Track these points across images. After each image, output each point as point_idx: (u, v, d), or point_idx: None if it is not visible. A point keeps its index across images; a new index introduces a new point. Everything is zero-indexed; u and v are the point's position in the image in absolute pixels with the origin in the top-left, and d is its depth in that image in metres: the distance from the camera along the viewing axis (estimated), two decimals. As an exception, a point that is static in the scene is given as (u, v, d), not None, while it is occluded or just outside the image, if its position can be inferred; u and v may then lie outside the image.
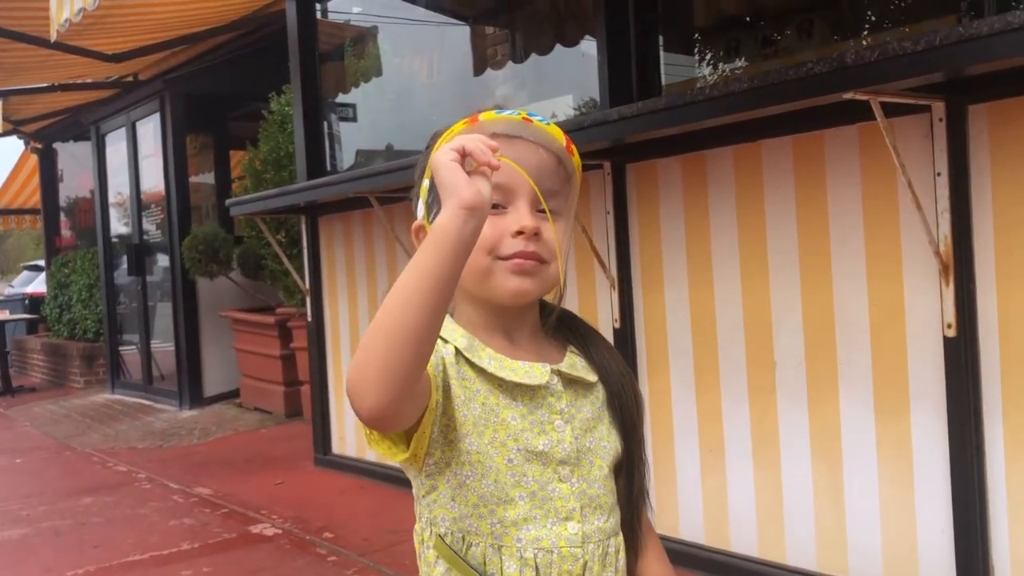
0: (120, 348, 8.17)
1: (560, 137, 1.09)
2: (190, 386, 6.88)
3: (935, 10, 3.52)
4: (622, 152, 2.93)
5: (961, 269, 2.20)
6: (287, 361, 5.99)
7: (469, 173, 0.91)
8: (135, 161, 7.51)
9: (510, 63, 4.88)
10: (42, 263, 11.77)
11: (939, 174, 2.21)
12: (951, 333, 2.22)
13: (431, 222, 1.05)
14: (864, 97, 2.04)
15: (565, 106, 4.18)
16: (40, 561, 3.49)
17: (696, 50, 4.31)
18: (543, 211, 1.05)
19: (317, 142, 4.66)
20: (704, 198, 2.79)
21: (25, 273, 14.34)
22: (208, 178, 7.62)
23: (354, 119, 5.34)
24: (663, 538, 1.21)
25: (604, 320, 3.05)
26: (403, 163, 3.38)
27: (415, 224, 1.11)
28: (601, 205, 3.05)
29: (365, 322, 4.32)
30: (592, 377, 1.12)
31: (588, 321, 1.20)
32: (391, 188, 3.48)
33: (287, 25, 4.69)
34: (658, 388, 2.95)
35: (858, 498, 2.46)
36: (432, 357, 0.95)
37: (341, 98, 5.32)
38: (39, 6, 4.97)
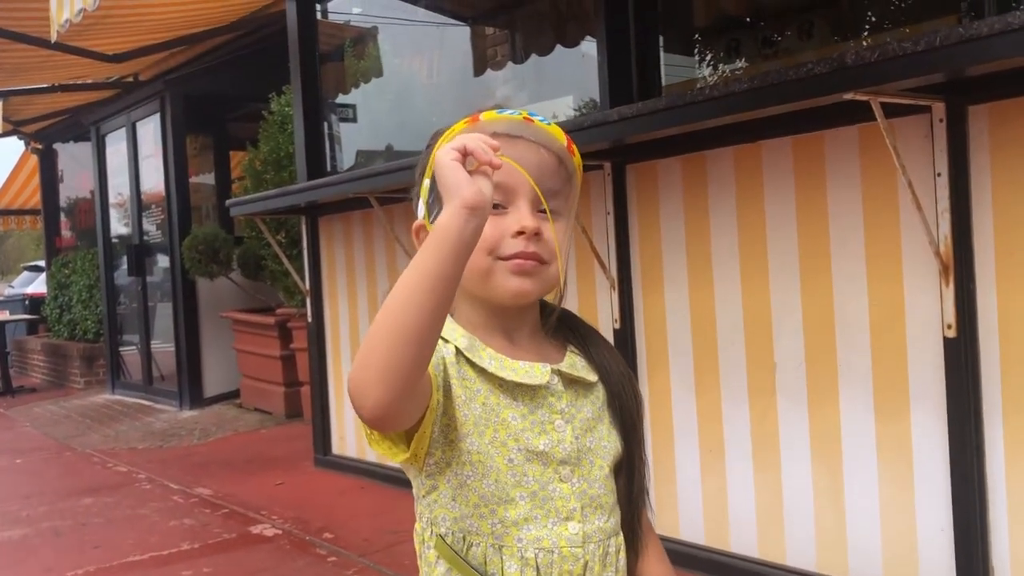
0: (120, 349, 8.17)
1: (561, 137, 1.09)
2: (190, 387, 6.88)
3: (935, 10, 3.53)
4: (622, 152, 2.93)
5: (961, 269, 2.20)
6: (287, 362, 5.99)
7: (470, 172, 0.90)
8: (135, 162, 7.51)
9: (510, 63, 4.89)
10: (42, 264, 11.77)
11: (939, 174, 2.21)
12: (951, 333, 2.22)
13: (432, 222, 1.05)
14: (864, 98, 2.04)
15: (565, 106, 4.18)
16: (40, 561, 3.49)
17: (696, 50, 4.31)
18: (544, 211, 1.05)
19: (317, 142, 4.66)
20: (704, 199, 2.79)
21: (25, 274, 14.34)
22: (208, 178, 7.62)
23: (354, 119, 5.35)
24: (663, 539, 1.21)
25: (604, 321, 3.05)
26: (403, 163, 3.38)
27: (415, 223, 1.11)
28: (601, 206, 3.05)
29: (365, 323, 4.32)
30: (592, 377, 1.12)
31: (588, 321, 1.20)
32: (391, 188, 3.48)
33: (287, 26, 4.70)
34: (658, 389, 2.95)
35: (858, 499, 2.46)
36: (433, 357, 0.95)
37: (341, 98, 5.32)
38: (39, 7, 4.97)
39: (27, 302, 11.87)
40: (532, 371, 1.06)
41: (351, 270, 4.39)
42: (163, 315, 7.38)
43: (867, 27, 3.87)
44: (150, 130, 7.24)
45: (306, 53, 4.63)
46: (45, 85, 7.58)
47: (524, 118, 1.07)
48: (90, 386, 8.69)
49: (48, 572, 3.36)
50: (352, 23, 5.58)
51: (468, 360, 1.04)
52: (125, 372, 8.09)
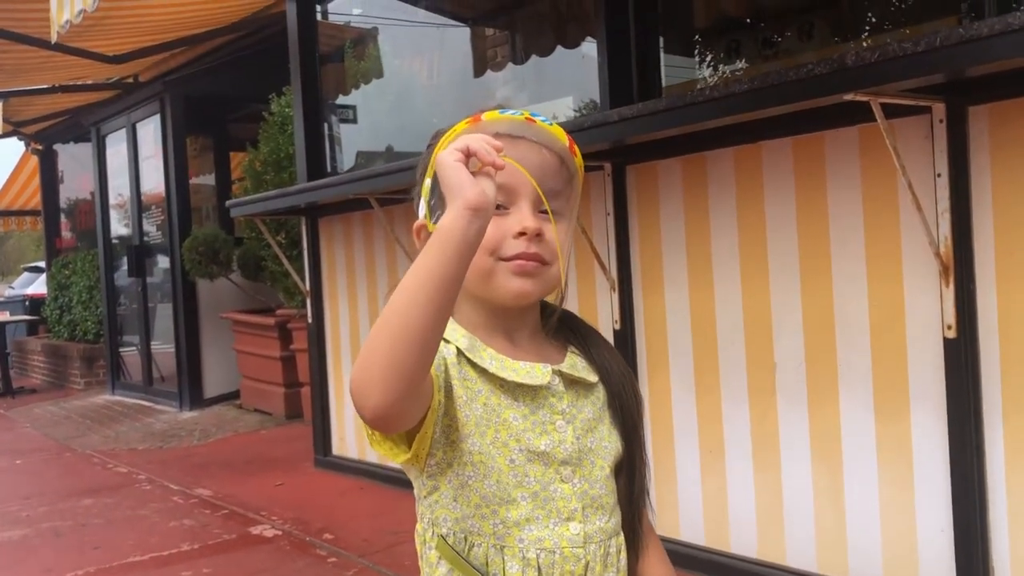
0: (120, 349, 8.17)
1: (563, 137, 1.09)
2: (190, 387, 6.88)
3: (935, 11, 3.53)
4: (622, 153, 2.93)
5: (961, 270, 2.20)
6: (287, 362, 5.99)
7: (473, 173, 0.90)
8: (135, 162, 7.52)
9: (510, 64, 4.89)
10: (42, 264, 11.77)
11: (939, 175, 2.21)
12: (951, 334, 2.23)
13: (434, 222, 1.05)
14: (864, 98, 2.04)
15: (565, 107, 4.18)
16: (40, 562, 3.49)
17: (696, 51, 4.31)
18: (545, 212, 1.05)
19: (317, 143, 4.66)
20: (704, 199, 2.79)
21: (25, 274, 14.33)
22: (208, 179, 7.62)
23: (354, 120, 5.35)
24: (663, 539, 1.21)
25: (604, 321, 3.05)
26: (403, 164, 3.38)
27: (416, 223, 1.11)
28: (601, 206, 3.05)
29: (365, 323, 4.33)
30: (593, 378, 1.12)
31: (588, 322, 1.20)
32: (391, 189, 3.48)
33: (287, 27, 4.70)
34: (658, 389, 2.95)
35: (858, 499, 2.46)
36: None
37: (341, 99, 5.32)
38: (40, 7, 4.97)
39: (27, 303, 11.87)
40: (533, 371, 1.06)
41: (351, 271, 4.40)
42: (163, 316, 7.38)
43: (867, 28, 3.87)
44: (150, 131, 7.25)
45: (306, 54, 4.63)
46: (45, 86, 7.59)
47: (526, 118, 1.07)
48: (90, 387, 8.69)
49: (48, 573, 3.36)
50: (352, 24, 5.58)
51: (469, 360, 1.04)
52: (125, 373, 8.09)
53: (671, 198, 2.88)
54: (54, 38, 4.87)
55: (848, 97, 2.03)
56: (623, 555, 1.10)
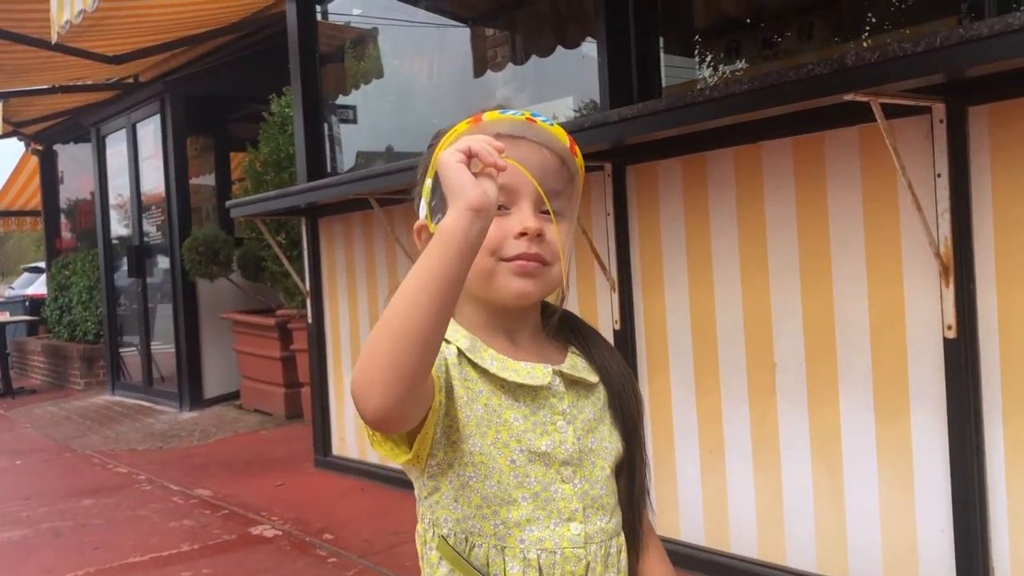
0: (120, 350, 8.17)
1: (564, 137, 1.09)
2: (190, 388, 6.88)
3: (935, 11, 3.53)
4: (622, 154, 2.93)
5: (961, 270, 2.20)
6: (287, 363, 5.99)
7: (475, 174, 0.90)
8: (135, 163, 7.52)
9: (510, 65, 4.89)
10: (42, 265, 11.77)
11: (939, 175, 2.21)
12: (951, 334, 2.23)
13: (435, 222, 1.05)
14: (864, 98, 2.04)
15: (565, 108, 4.18)
16: (40, 562, 3.49)
17: (696, 51, 4.31)
18: (546, 212, 1.05)
19: (317, 144, 4.66)
20: (704, 200, 2.79)
21: (25, 275, 14.33)
22: (208, 180, 7.62)
23: (354, 121, 5.35)
24: (663, 540, 1.21)
25: (604, 322, 3.05)
26: (403, 164, 3.38)
27: (417, 224, 1.11)
28: (601, 207, 3.05)
29: (365, 324, 4.33)
30: (593, 378, 1.12)
31: (588, 322, 1.20)
32: (391, 190, 3.49)
33: (287, 27, 4.70)
34: (658, 389, 2.95)
35: (858, 499, 2.46)
36: None
37: (341, 100, 5.32)
38: (40, 8, 4.97)
39: (27, 303, 11.87)
40: (534, 372, 1.06)
41: (351, 271, 4.40)
42: (163, 316, 7.38)
43: (867, 28, 3.87)
44: (150, 131, 7.25)
45: (306, 54, 4.63)
46: (45, 86, 7.59)
47: (527, 119, 1.07)
48: (90, 387, 8.69)
49: (48, 573, 3.36)
50: (352, 24, 5.58)
51: (470, 361, 1.04)
52: (125, 373, 8.09)
53: (671, 198, 2.88)
54: (54, 38, 4.87)
55: (848, 97, 2.03)
56: (624, 555, 1.10)
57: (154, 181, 7.24)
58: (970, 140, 2.19)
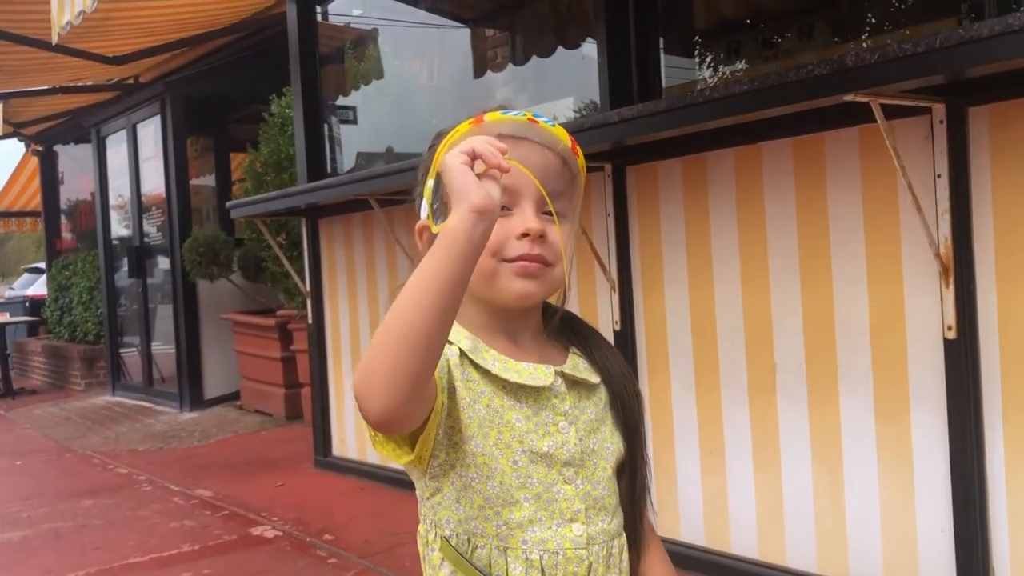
0: (121, 350, 8.17)
1: (565, 138, 1.09)
2: (190, 388, 6.88)
3: (935, 12, 3.53)
4: (622, 154, 2.93)
5: (961, 271, 2.20)
6: (287, 363, 5.99)
7: (478, 175, 0.90)
8: (136, 163, 7.52)
9: (510, 65, 4.89)
10: (43, 265, 11.77)
11: (939, 176, 2.22)
12: (951, 335, 2.23)
13: (436, 222, 1.05)
14: (864, 99, 2.04)
15: (566, 108, 4.18)
16: (40, 563, 3.49)
17: (696, 52, 4.32)
18: (548, 213, 1.05)
19: (317, 144, 4.66)
20: (704, 200, 2.79)
21: (26, 275, 14.32)
22: (209, 180, 7.62)
23: (354, 121, 5.35)
24: (663, 540, 1.21)
25: (604, 322, 3.05)
26: (403, 165, 3.38)
27: (418, 224, 1.11)
28: (601, 207, 3.05)
29: (365, 324, 4.33)
30: (595, 378, 1.12)
31: (589, 323, 1.20)
32: (391, 190, 3.49)
33: (287, 28, 4.70)
34: (658, 389, 2.95)
35: (858, 500, 2.46)
36: None
37: (341, 100, 5.33)
38: (40, 9, 4.97)
39: (28, 304, 11.86)
40: (536, 373, 1.06)
41: (351, 272, 4.40)
42: (163, 317, 7.38)
43: (867, 29, 3.87)
44: (151, 132, 7.25)
45: (306, 55, 4.63)
46: (46, 87, 7.59)
47: (529, 119, 1.07)
48: (90, 388, 8.69)
49: (48, 573, 3.36)
50: (352, 25, 5.58)
51: (472, 362, 1.04)
52: (125, 374, 8.09)
53: (671, 199, 2.88)
54: (55, 39, 4.87)
55: (848, 98, 2.04)
56: (625, 556, 1.10)
57: (154, 182, 7.25)
58: (970, 140, 2.19)
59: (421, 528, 1.09)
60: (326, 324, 4.60)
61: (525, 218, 1.04)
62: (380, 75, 5.55)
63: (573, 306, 1.17)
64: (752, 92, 2.24)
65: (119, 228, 8.06)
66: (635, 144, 2.80)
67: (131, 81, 7.67)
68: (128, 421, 6.76)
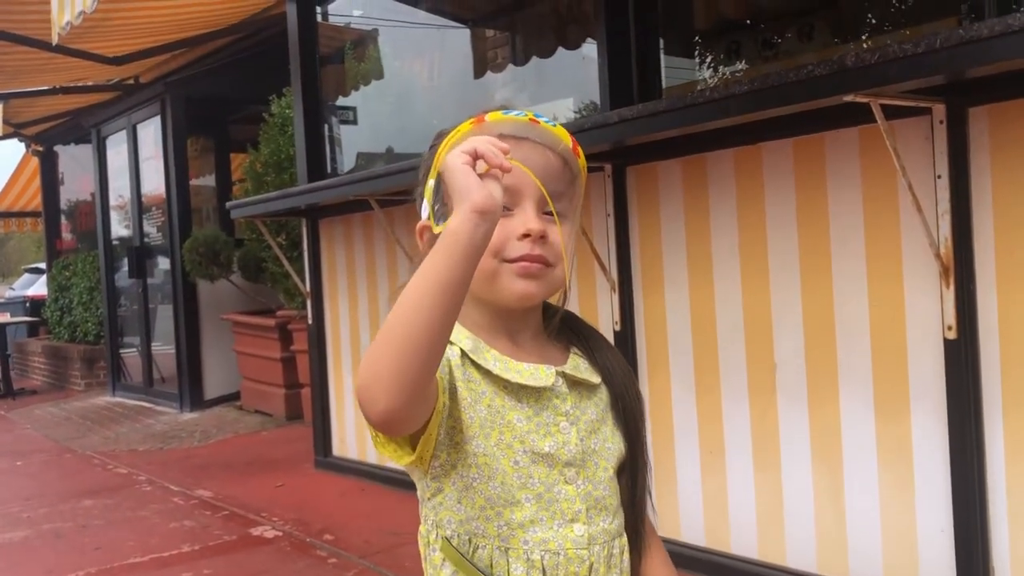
0: (121, 351, 8.17)
1: (566, 138, 1.09)
2: (191, 389, 6.88)
3: (935, 12, 3.53)
4: (622, 154, 2.93)
5: (961, 271, 2.20)
6: (288, 364, 5.99)
7: (480, 175, 0.90)
8: (136, 164, 7.52)
9: (511, 66, 4.89)
10: (43, 266, 11.77)
11: (939, 176, 2.22)
12: (951, 335, 2.23)
13: (437, 223, 1.05)
14: (864, 99, 2.04)
15: (566, 109, 4.18)
16: (41, 563, 3.49)
17: (696, 53, 4.32)
18: (549, 213, 1.05)
19: (317, 145, 4.66)
20: (705, 200, 2.79)
21: (26, 276, 14.32)
22: (209, 181, 7.62)
23: (354, 122, 5.35)
24: (663, 540, 1.21)
25: (604, 322, 3.05)
26: (404, 166, 3.39)
27: (419, 224, 1.11)
28: (602, 207, 3.05)
29: (366, 324, 4.33)
30: (596, 379, 1.12)
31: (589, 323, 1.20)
32: (392, 191, 3.49)
33: (287, 28, 4.70)
34: (658, 389, 2.95)
35: (858, 500, 2.46)
36: None
37: (341, 101, 5.33)
38: (41, 9, 4.98)
39: (28, 304, 11.86)
40: (537, 373, 1.06)
41: (351, 272, 4.40)
42: (164, 317, 7.38)
43: (867, 29, 3.87)
44: (151, 132, 7.25)
45: (306, 55, 4.63)
46: (46, 87, 7.59)
47: (530, 119, 1.07)
48: (91, 388, 8.69)
49: (49, 574, 3.36)
50: (352, 25, 5.58)
51: (473, 362, 1.04)
52: (125, 374, 8.09)
53: (671, 199, 2.89)
54: (55, 40, 4.87)
55: (848, 98, 2.04)
56: (626, 556, 1.10)
57: (154, 182, 7.25)
58: (970, 141, 2.19)
59: (422, 528, 1.09)
60: (326, 324, 4.60)
61: (526, 219, 1.04)
62: (380, 75, 5.55)
63: (573, 306, 1.17)
64: (752, 92, 2.24)
65: (119, 228, 8.06)
66: (635, 144, 2.80)
67: (131, 81, 7.67)
68: (128, 421, 6.77)
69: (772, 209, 2.62)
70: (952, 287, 2.21)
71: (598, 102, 3.43)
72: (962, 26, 2.01)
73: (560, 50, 4.51)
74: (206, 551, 3.49)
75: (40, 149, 9.94)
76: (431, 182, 1.07)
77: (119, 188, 7.91)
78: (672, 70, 3.93)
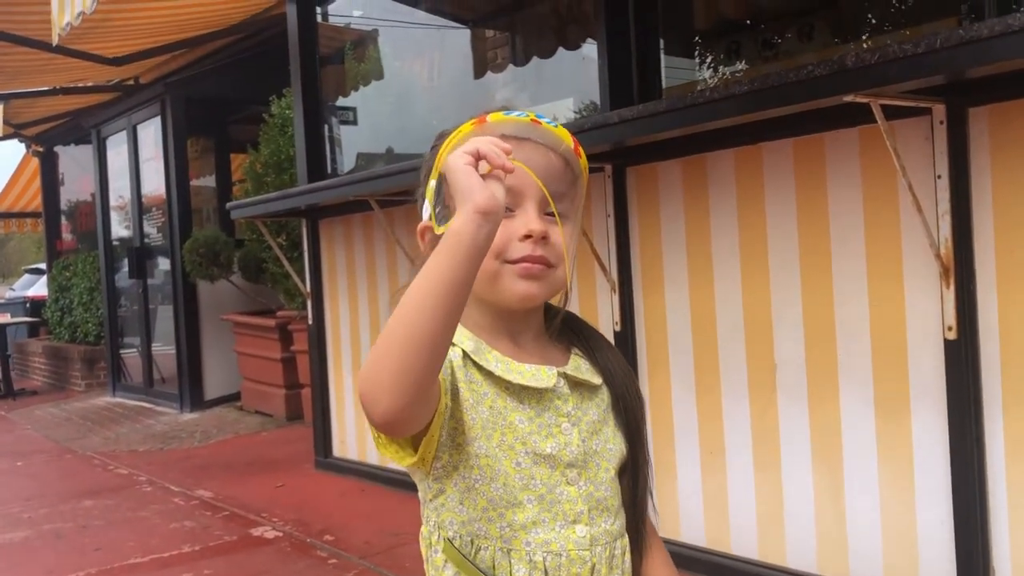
0: (121, 351, 8.17)
1: (568, 139, 1.09)
2: (191, 389, 6.88)
3: (935, 13, 3.53)
4: (623, 155, 2.93)
5: (962, 271, 2.20)
6: (288, 364, 5.99)
7: (483, 176, 0.90)
8: (136, 164, 7.52)
9: (511, 66, 4.89)
10: (43, 266, 11.77)
11: (939, 176, 2.22)
12: (952, 335, 2.23)
13: (439, 224, 1.05)
14: (864, 100, 2.04)
15: (566, 109, 4.18)
16: (41, 564, 3.49)
17: (696, 53, 4.32)
18: (551, 214, 1.05)
19: (318, 145, 4.66)
20: (705, 200, 2.79)
21: (26, 276, 14.31)
22: (209, 181, 7.62)
23: (355, 122, 5.35)
24: (664, 540, 1.21)
25: (605, 322, 3.05)
26: (404, 166, 3.38)
27: (420, 225, 1.11)
28: (602, 208, 3.05)
29: (366, 325, 4.33)
30: (597, 380, 1.12)
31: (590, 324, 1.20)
32: (392, 191, 3.49)
33: (288, 28, 4.70)
34: (658, 389, 2.95)
35: (858, 499, 2.46)
36: None
37: (341, 101, 5.33)
38: (41, 10, 4.98)
39: (28, 305, 11.86)
40: (539, 374, 1.06)
41: (352, 272, 4.40)
42: (164, 318, 7.38)
43: (867, 29, 3.87)
44: (151, 133, 7.25)
45: (306, 56, 4.63)
46: (46, 88, 7.59)
47: (532, 120, 1.07)
48: (91, 388, 8.69)
49: (49, 574, 3.36)
50: (352, 26, 5.58)
51: (475, 363, 1.04)
52: (126, 375, 8.09)
53: (671, 199, 2.89)
54: (55, 40, 4.87)
55: (848, 98, 2.04)
56: (627, 557, 1.10)
57: (155, 183, 7.25)
58: (970, 141, 2.19)
59: (424, 530, 1.09)
60: (326, 325, 4.60)
61: (528, 219, 1.04)
62: (380, 76, 5.55)
63: (573, 307, 1.17)
64: (752, 93, 2.24)
65: (119, 229, 8.06)
66: (635, 145, 2.80)
67: (131, 82, 7.68)
68: (128, 422, 6.77)
69: (772, 209, 2.62)
70: (952, 287, 2.21)
71: (598, 102, 3.43)
72: (962, 26, 2.01)
73: (560, 50, 4.51)
74: (206, 551, 3.49)
75: (40, 150, 9.94)
76: (432, 183, 1.06)
77: (119, 189, 7.92)
78: (672, 70, 3.93)
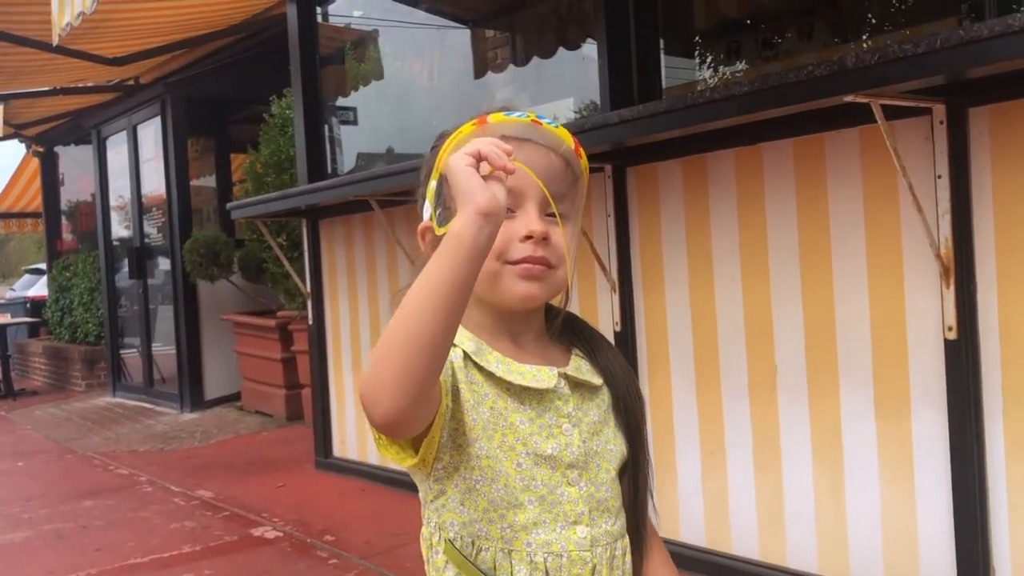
0: (121, 351, 8.17)
1: (568, 139, 1.09)
2: (191, 389, 6.88)
3: (935, 13, 3.53)
4: (623, 155, 2.93)
5: (962, 271, 2.20)
6: (288, 364, 5.99)
7: (484, 177, 0.90)
8: (136, 164, 7.52)
9: (511, 66, 4.89)
10: (43, 266, 11.77)
11: (940, 176, 2.22)
12: (952, 336, 2.23)
13: (440, 224, 1.04)
14: (865, 100, 2.04)
15: (566, 109, 4.18)
16: (42, 564, 3.49)
17: (697, 53, 4.31)
18: (551, 215, 1.05)
19: (318, 145, 4.66)
20: (705, 200, 2.79)
21: (26, 276, 14.31)
22: (209, 181, 7.62)
23: (355, 122, 5.35)
24: (663, 541, 1.21)
25: (605, 323, 3.05)
26: (404, 166, 3.38)
27: (421, 225, 1.11)
28: (602, 208, 3.05)
29: (366, 325, 4.33)
30: (597, 380, 1.12)
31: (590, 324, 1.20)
32: (392, 191, 3.49)
33: (288, 28, 4.70)
34: (658, 389, 2.95)
35: (859, 499, 2.46)
36: None
37: (342, 101, 5.33)
38: (41, 10, 4.98)
39: (28, 305, 11.86)
40: (539, 375, 1.06)
41: (352, 272, 4.40)
42: (164, 318, 7.38)
43: (867, 29, 3.87)
44: (151, 133, 7.25)
45: (307, 56, 4.63)
46: (46, 88, 7.59)
47: (532, 120, 1.07)
48: (91, 389, 8.69)
49: (49, 574, 3.37)
50: (353, 26, 5.58)
51: (476, 364, 1.04)
52: (126, 375, 8.09)
53: (671, 199, 2.89)
54: (55, 41, 4.87)
55: (848, 99, 2.04)
56: (628, 557, 1.10)
57: (155, 183, 7.25)
58: (970, 141, 2.19)
59: (425, 531, 1.09)
60: (326, 325, 4.60)
61: (528, 220, 1.04)
62: (380, 76, 5.55)
63: (573, 307, 1.17)
64: (752, 93, 2.24)
65: (120, 229, 8.06)
66: (635, 145, 2.80)
67: (131, 82, 7.67)
68: (129, 422, 6.77)
69: (772, 209, 2.62)
70: (952, 287, 2.21)
71: (598, 102, 3.42)
72: (962, 26, 2.01)
73: (560, 50, 4.51)
74: (207, 552, 3.49)
75: (40, 150, 9.94)
76: (433, 184, 1.06)
77: (119, 189, 7.92)
78: (672, 70, 3.93)
